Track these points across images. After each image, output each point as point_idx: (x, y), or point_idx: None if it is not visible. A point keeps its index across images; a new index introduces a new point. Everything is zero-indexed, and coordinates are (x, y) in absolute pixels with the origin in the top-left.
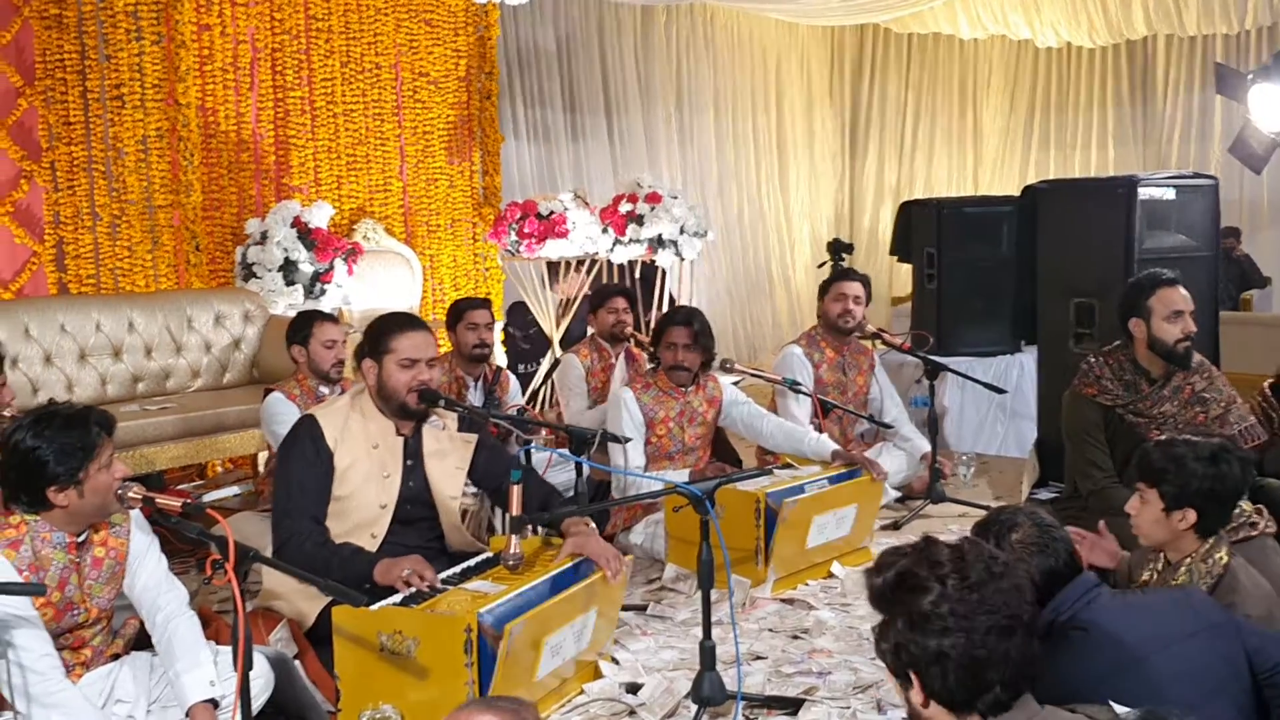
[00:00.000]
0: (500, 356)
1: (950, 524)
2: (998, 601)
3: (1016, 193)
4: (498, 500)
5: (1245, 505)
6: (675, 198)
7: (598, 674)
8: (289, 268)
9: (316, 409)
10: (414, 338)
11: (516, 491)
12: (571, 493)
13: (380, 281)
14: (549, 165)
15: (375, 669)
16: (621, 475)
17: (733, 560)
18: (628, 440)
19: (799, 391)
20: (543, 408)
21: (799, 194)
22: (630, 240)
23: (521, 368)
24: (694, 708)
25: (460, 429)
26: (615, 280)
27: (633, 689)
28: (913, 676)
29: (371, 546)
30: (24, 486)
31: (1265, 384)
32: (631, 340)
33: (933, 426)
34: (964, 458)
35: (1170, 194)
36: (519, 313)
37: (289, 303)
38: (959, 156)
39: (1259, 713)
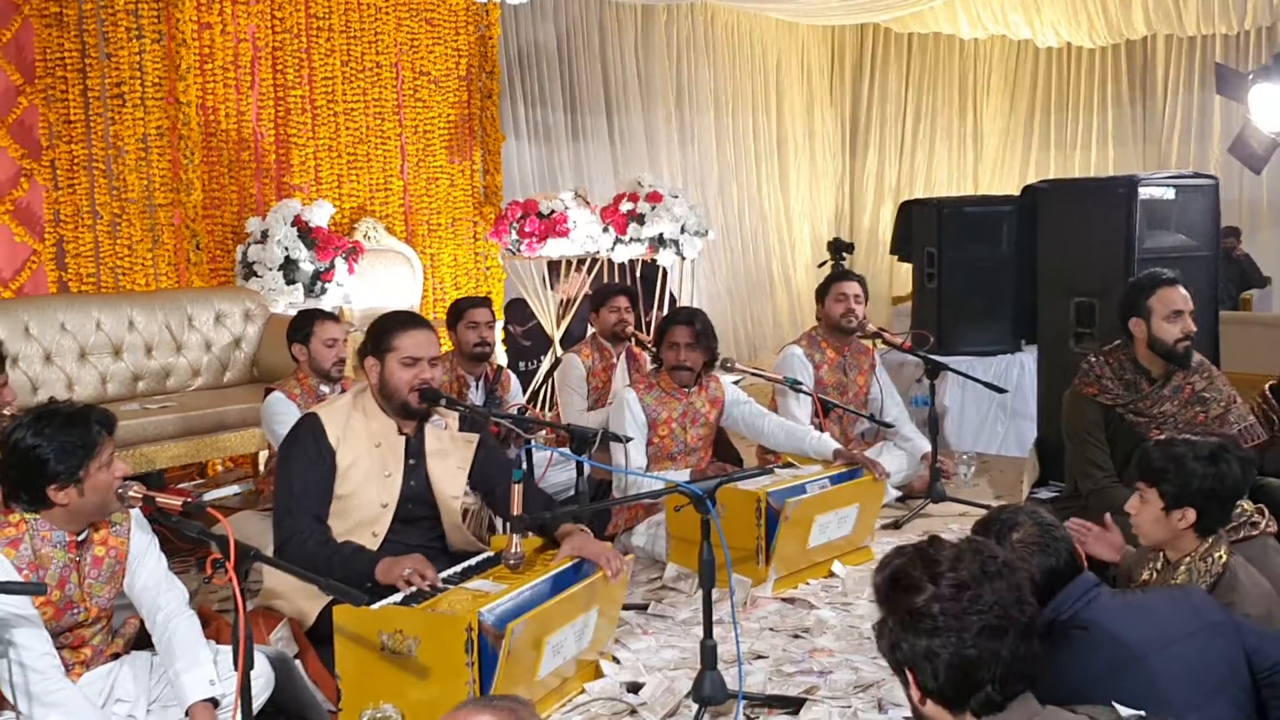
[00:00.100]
0: (500, 355)
1: (951, 523)
2: (990, 601)
3: (1017, 192)
4: (489, 502)
5: (1246, 505)
6: (676, 197)
7: (599, 673)
8: (289, 266)
9: (318, 407)
10: (416, 336)
11: (517, 491)
12: (572, 492)
13: (381, 280)
14: (550, 164)
15: (376, 668)
16: (623, 475)
17: (734, 559)
18: (629, 440)
19: (800, 391)
20: (544, 407)
21: (799, 193)
22: (631, 239)
23: (522, 365)
24: (695, 707)
25: (462, 428)
26: (616, 280)
27: (634, 688)
28: (908, 674)
29: (373, 545)
30: (24, 485)
31: (1266, 385)
32: (633, 340)
33: (933, 426)
34: (964, 457)
35: (1170, 194)
36: (518, 309)
37: (289, 301)
38: (959, 156)
39: (1258, 712)
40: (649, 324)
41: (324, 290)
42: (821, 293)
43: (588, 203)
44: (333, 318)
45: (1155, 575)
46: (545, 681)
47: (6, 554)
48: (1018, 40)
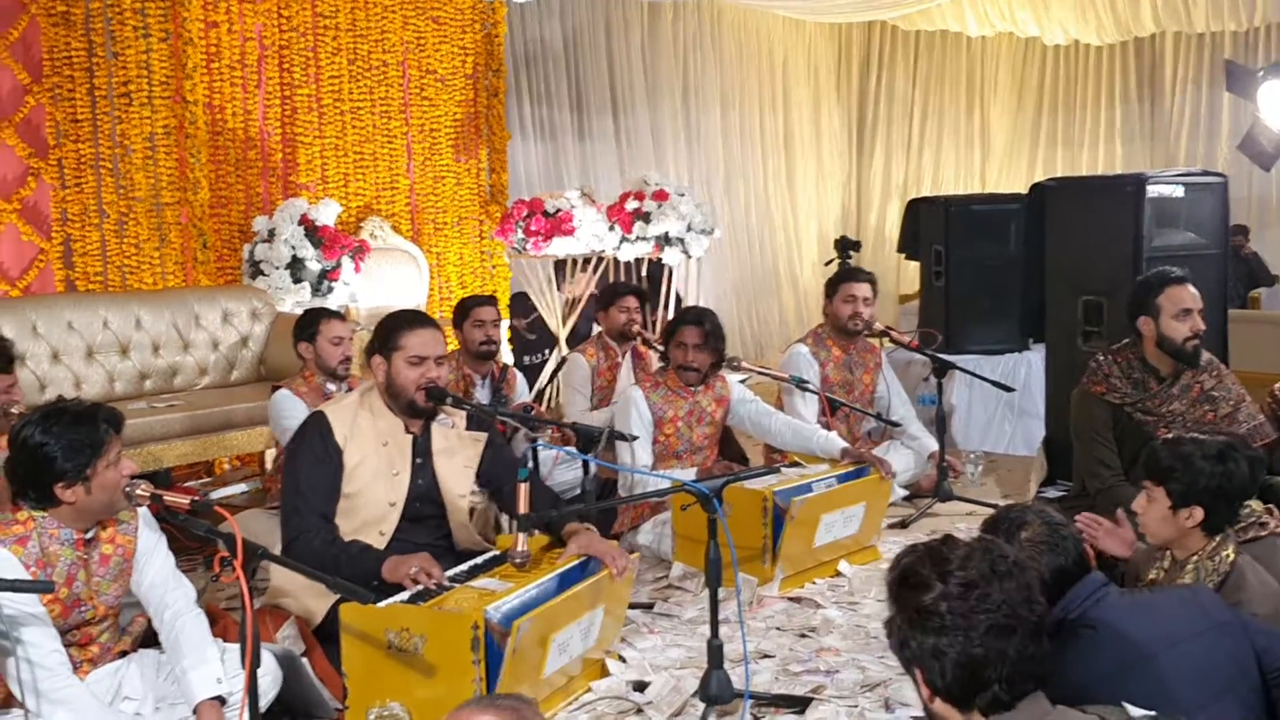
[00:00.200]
0: (506, 352)
1: (958, 522)
2: (998, 600)
3: (1024, 190)
4: (497, 500)
5: (1255, 505)
6: (682, 195)
7: (605, 672)
8: (296, 265)
9: (326, 406)
10: (423, 335)
11: (524, 489)
12: (579, 491)
13: (387, 279)
14: (556, 163)
15: (383, 666)
16: (629, 473)
17: (740, 558)
18: (634, 438)
19: (806, 389)
20: (549, 406)
21: (806, 191)
22: (637, 238)
23: (527, 359)
24: (701, 706)
25: (469, 427)
26: (623, 278)
27: (640, 687)
28: (917, 671)
29: (380, 544)
30: (32, 482)
31: (1276, 385)
32: (639, 339)
33: (940, 425)
34: (972, 456)
35: (1179, 192)
36: (519, 302)
37: (296, 300)
38: (966, 154)
39: (1267, 712)
40: (654, 324)
41: (330, 289)
42: (830, 290)
43: (594, 201)
44: (339, 316)
45: (1162, 574)
46: (551, 680)
47: (14, 551)
48: (1025, 38)
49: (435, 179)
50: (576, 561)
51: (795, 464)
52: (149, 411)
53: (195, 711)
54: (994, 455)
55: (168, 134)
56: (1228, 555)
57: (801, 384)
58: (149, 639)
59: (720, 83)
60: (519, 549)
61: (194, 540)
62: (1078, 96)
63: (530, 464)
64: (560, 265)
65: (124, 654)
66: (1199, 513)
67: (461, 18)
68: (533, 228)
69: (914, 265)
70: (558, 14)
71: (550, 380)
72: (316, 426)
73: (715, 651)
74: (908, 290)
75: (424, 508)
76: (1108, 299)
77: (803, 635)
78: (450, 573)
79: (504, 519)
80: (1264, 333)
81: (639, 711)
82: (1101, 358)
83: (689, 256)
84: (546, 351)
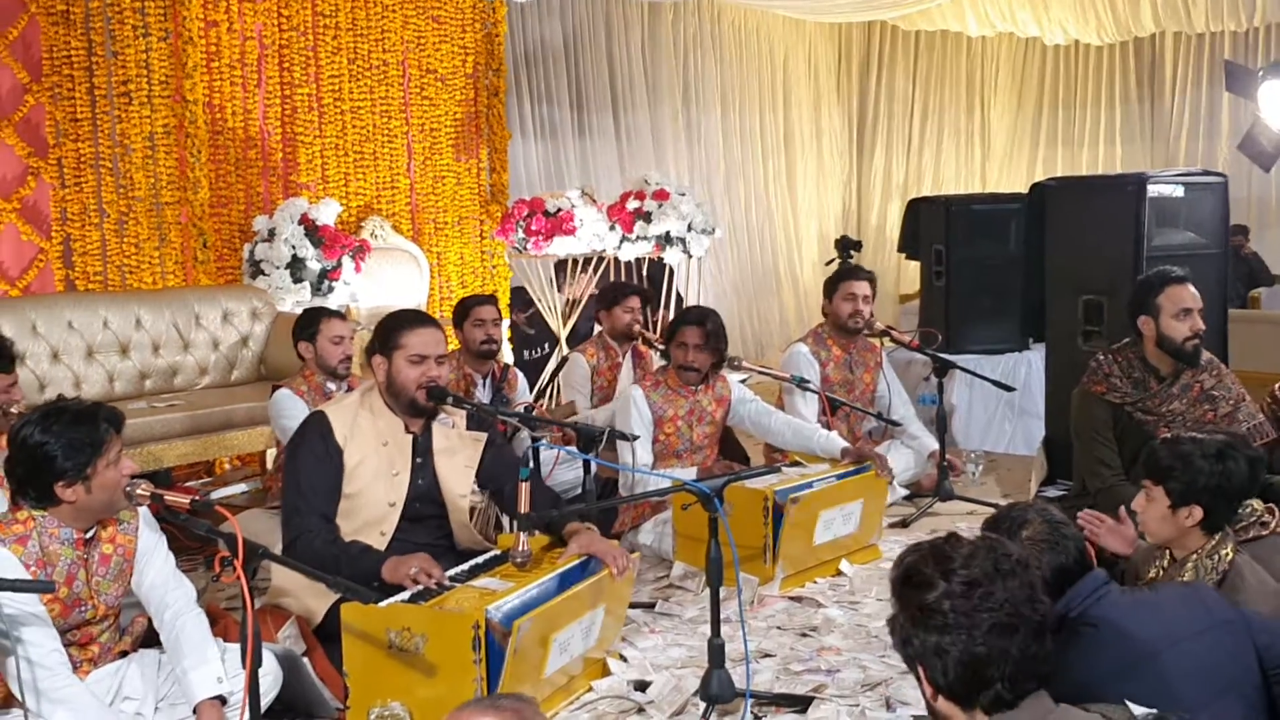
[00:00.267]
0: (506, 351)
1: (959, 521)
2: (1001, 599)
3: (1025, 190)
4: (497, 500)
5: (1256, 504)
6: (683, 194)
7: (606, 671)
8: (296, 265)
9: (326, 405)
10: (424, 334)
11: (525, 489)
12: (579, 490)
13: (388, 279)
14: (556, 162)
15: (384, 666)
16: (630, 473)
17: (741, 558)
18: (635, 438)
19: (807, 389)
20: (550, 404)
21: (806, 191)
22: (638, 237)
23: (527, 354)
24: (702, 705)
25: (469, 427)
26: (623, 278)
27: (641, 686)
28: (920, 669)
29: (380, 544)
30: (32, 481)
31: (1276, 385)
32: (640, 339)
33: (941, 424)
34: (972, 455)
35: (1179, 191)
36: (517, 296)
37: (296, 300)
38: (967, 154)
39: (1269, 710)
40: (655, 324)
41: (331, 288)
42: (830, 289)
43: (594, 201)
44: (339, 315)
45: (1161, 573)
46: (552, 679)
47: (14, 551)
48: (1025, 38)
49: (436, 178)
50: (577, 561)
51: (796, 463)
52: (149, 411)
53: (196, 711)
54: (994, 455)
55: (167, 133)
56: (1227, 554)
57: (802, 383)
58: (150, 639)
59: (720, 82)
60: (520, 548)
61: (194, 540)
62: (1078, 96)
63: (531, 463)
64: (561, 265)
65: (124, 654)
66: (1198, 512)
67: (462, 17)
68: (533, 227)
69: (914, 265)
70: (558, 13)
71: (551, 380)
72: (317, 426)
73: (716, 651)
74: (908, 290)
75: (424, 507)
76: (1108, 298)
77: (804, 634)
78: (451, 572)
79: (505, 518)
80: (1264, 332)
81: (640, 711)
82: (1102, 357)
83: (690, 256)
84: (546, 346)
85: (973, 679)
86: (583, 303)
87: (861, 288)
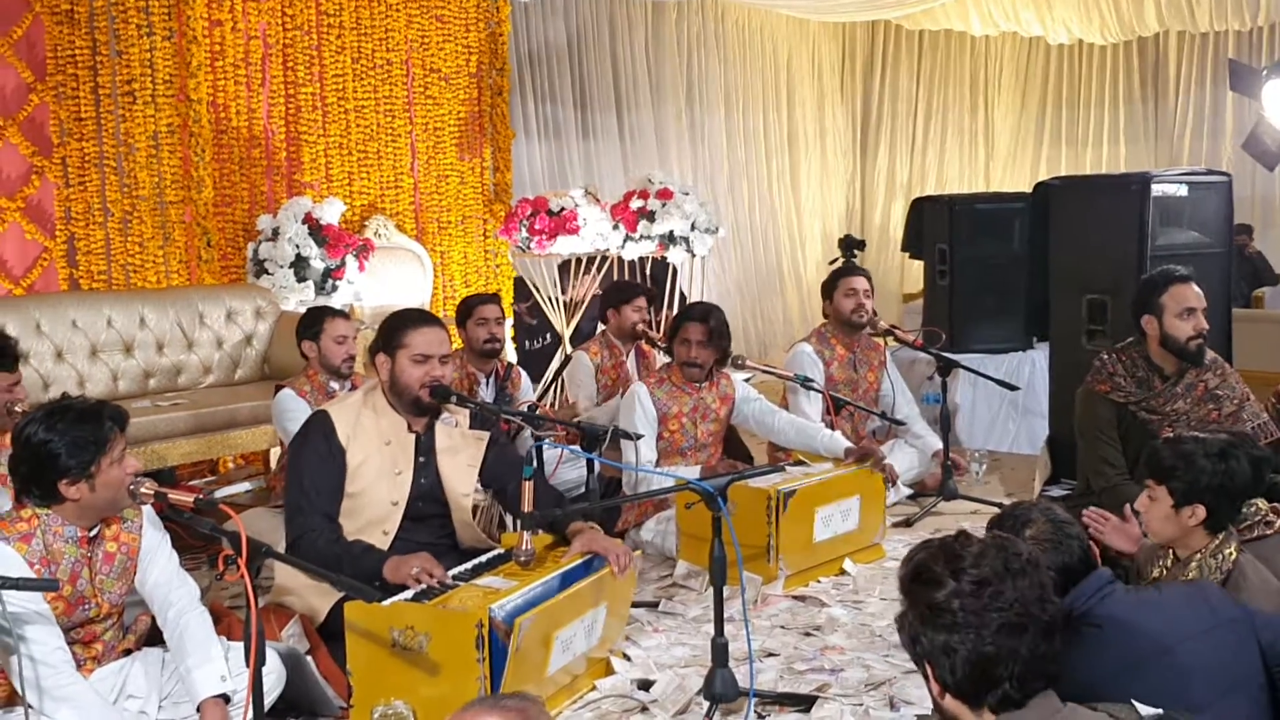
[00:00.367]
0: (510, 350)
1: (963, 520)
2: (1010, 599)
3: (1028, 189)
4: (500, 499)
5: (1260, 504)
6: (686, 194)
7: (609, 670)
8: (300, 264)
9: (329, 405)
10: (427, 334)
11: (528, 488)
12: (583, 489)
13: (391, 278)
14: (560, 161)
15: (387, 664)
16: (633, 471)
17: (744, 557)
18: (639, 437)
19: (811, 388)
20: (554, 403)
21: (810, 190)
22: (641, 237)
23: (529, 345)
24: (706, 704)
25: (472, 426)
26: (627, 277)
27: (644, 685)
28: (927, 667)
29: (383, 543)
30: (36, 479)
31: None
32: (644, 338)
33: (945, 423)
34: (976, 454)
35: (1183, 191)
36: (520, 287)
37: (300, 299)
38: (970, 153)
39: (1274, 708)
40: (658, 324)
41: (335, 288)
42: (828, 290)
43: (598, 200)
44: (342, 315)
45: (1165, 573)
46: (556, 678)
47: (18, 549)
48: (1029, 37)
49: (439, 178)
50: (580, 560)
51: (800, 463)
52: (153, 410)
53: (199, 710)
54: (998, 454)
55: (172, 132)
56: (1230, 553)
57: (806, 383)
58: (154, 637)
59: (724, 81)
60: (524, 547)
61: (198, 539)
62: (1081, 96)
63: (535, 462)
64: (565, 268)
65: (128, 652)
66: (1201, 511)
67: (466, 16)
68: (537, 226)
69: (918, 264)
70: (562, 13)
71: (555, 379)
72: (320, 426)
73: (720, 650)
74: (912, 289)
75: (427, 507)
76: (1112, 298)
77: (807, 634)
78: (454, 571)
79: (508, 517)
80: (1268, 332)
81: (644, 710)
82: (1106, 356)
83: (693, 255)
84: (549, 336)
85: (981, 678)
86: (585, 302)
87: (860, 282)
